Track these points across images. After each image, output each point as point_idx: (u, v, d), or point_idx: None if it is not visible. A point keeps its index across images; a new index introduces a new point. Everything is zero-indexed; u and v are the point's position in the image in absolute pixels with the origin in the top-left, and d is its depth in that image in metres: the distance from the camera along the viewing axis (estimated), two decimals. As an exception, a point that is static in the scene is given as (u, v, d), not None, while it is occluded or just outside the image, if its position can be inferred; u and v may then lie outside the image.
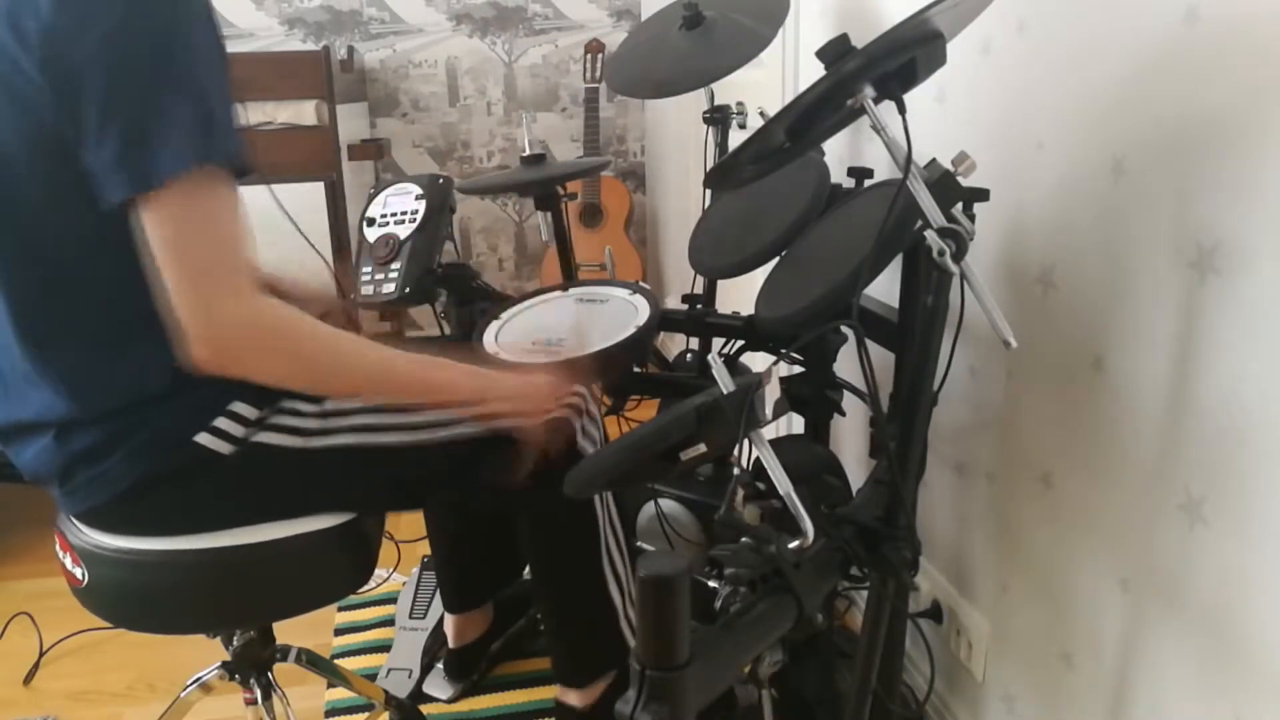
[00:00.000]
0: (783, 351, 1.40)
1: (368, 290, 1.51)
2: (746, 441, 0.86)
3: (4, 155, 0.91)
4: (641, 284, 1.80)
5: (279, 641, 1.28)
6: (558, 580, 1.36)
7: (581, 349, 1.29)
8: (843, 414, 1.47)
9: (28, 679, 1.75)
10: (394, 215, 1.66)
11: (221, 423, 1.03)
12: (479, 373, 1.12)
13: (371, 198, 1.73)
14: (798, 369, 1.49)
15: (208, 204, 0.91)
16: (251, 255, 0.95)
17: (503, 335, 1.38)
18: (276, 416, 1.07)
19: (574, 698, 1.39)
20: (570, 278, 1.83)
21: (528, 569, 1.73)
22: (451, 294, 1.59)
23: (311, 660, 1.34)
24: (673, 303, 1.70)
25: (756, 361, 1.63)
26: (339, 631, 1.86)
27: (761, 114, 1.75)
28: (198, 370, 0.93)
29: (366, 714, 1.58)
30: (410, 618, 1.79)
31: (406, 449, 1.14)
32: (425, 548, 1.76)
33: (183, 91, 0.88)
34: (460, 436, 1.16)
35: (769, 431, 0.86)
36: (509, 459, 1.17)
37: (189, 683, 1.28)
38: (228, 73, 0.94)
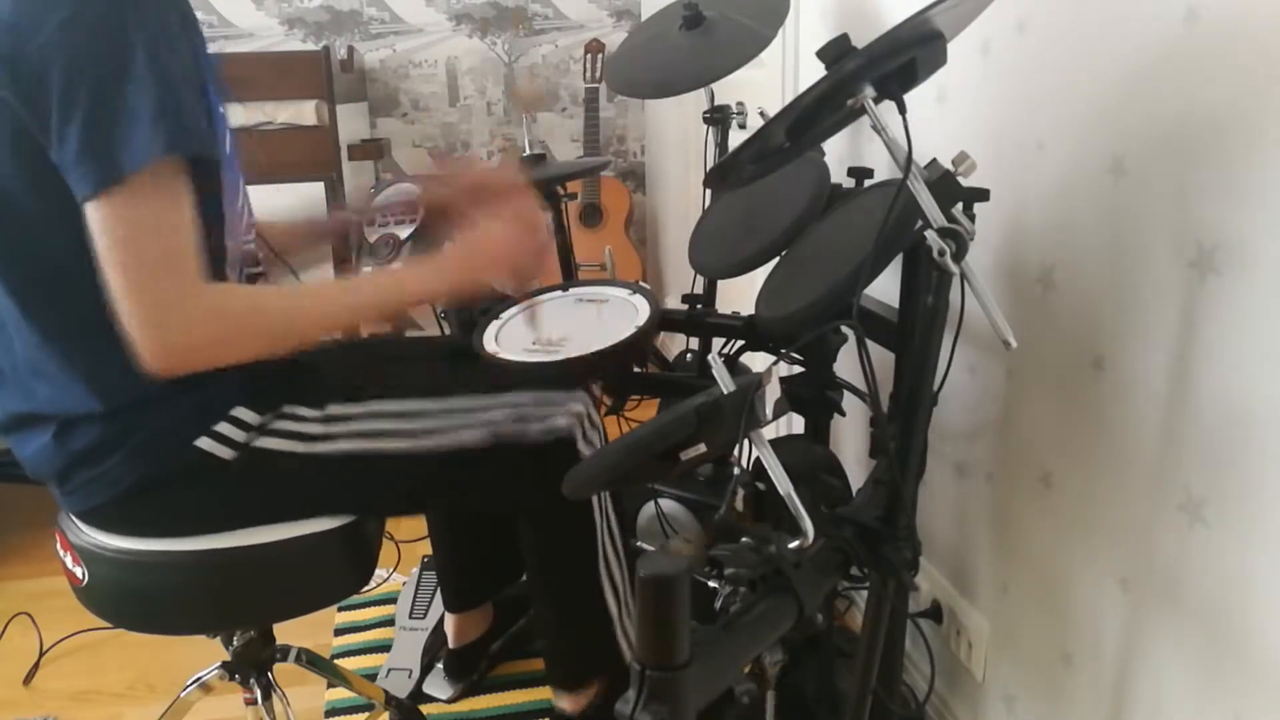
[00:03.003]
0: (783, 351, 1.40)
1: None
2: (746, 441, 0.86)
3: None
4: (641, 284, 1.81)
5: (279, 641, 1.28)
6: (553, 586, 1.35)
7: (582, 349, 1.29)
8: (843, 414, 1.47)
9: (28, 679, 1.75)
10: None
11: (223, 428, 1.03)
12: (444, 264, 1.09)
13: (372, 198, 1.73)
14: (798, 369, 1.48)
15: (164, 199, 0.89)
16: (199, 246, 0.91)
17: (502, 335, 1.38)
18: (278, 422, 1.07)
19: (567, 702, 1.39)
20: (570, 277, 1.83)
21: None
22: (451, 294, 1.59)
23: (311, 660, 1.34)
24: (673, 303, 1.70)
25: (756, 361, 1.63)
26: (339, 631, 1.86)
27: (761, 114, 1.75)
28: (158, 377, 0.90)
29: (366, 714, 1.58)
30: (410, 618, 1.79)
31: (409, 456, 1.13)
32: (425, 548, 1.76)
33: (142, 80, 0.86)
34: (463, 443, 1.15)
35: (769, 431, 0.86)
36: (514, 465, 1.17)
37: (189, 683, 1.28)
38: (197, 58, 0.92)
